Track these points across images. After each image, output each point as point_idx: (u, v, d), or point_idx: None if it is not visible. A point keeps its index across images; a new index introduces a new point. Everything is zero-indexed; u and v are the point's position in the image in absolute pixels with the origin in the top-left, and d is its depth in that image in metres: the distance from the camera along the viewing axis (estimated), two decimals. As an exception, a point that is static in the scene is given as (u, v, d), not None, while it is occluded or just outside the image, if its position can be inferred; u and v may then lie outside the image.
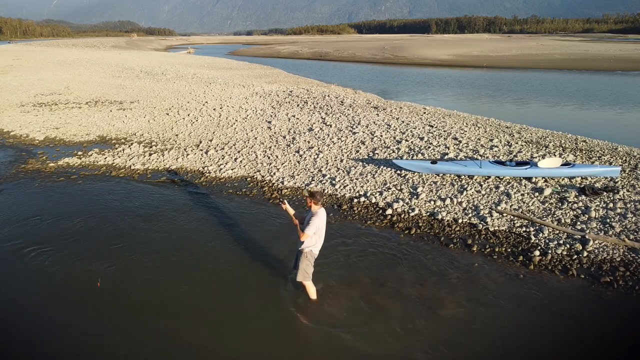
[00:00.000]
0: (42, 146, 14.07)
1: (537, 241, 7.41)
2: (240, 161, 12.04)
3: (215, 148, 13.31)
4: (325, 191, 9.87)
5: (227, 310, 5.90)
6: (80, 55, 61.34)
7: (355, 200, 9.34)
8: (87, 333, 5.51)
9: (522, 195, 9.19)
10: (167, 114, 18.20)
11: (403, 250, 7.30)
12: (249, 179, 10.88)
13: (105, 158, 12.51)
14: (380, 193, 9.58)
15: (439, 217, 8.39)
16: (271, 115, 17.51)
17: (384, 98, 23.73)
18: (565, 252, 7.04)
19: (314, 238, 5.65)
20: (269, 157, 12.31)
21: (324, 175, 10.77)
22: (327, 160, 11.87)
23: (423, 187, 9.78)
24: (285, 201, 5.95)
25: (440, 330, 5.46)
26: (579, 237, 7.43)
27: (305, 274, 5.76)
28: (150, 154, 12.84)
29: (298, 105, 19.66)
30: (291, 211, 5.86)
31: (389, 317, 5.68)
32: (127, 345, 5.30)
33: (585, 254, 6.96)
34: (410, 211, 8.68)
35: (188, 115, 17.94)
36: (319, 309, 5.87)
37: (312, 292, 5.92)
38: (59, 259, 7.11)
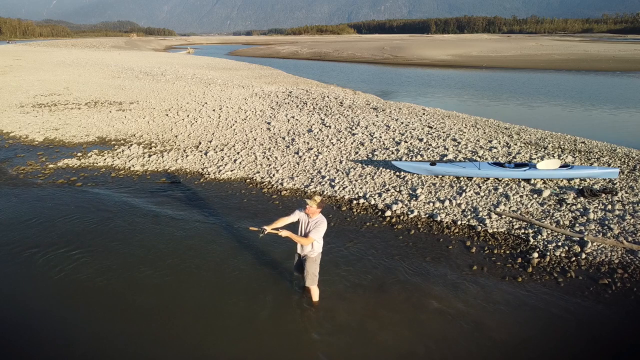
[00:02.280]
0: (41, 147, 14.08)
1: (535, 243, 7.43)
2: (240, 162, 12.06)
3: (214, 149, 13.32)
4: (325, 193, 9.88)
5: (228, 312, 5.89)
6: (79, 55, 61.32)
7: (355, 201, 9.36)
8: (88, 335, 5.51)
9: (521, 197, 9.21)
10: (167, 115, 18.21)
11: (402, 252, 7.31)
12: (248, 180, 10.89)
13: (105, 159, 12.52)
14: (380, 195, 9.60)
15: (438, 218, 8.41)
16: (270, 116, 17.53)
17: (383, 99, 23.76)
18: (563, 254, 7.06)
19: (321, 242, 5.63)
20: (268, 159, 12.32)
21: (323, 177, 10.79)
22: (327, 162, 11.89)
23: (422, 188, 9.80)
24: (264, 228, 5.45)
25: (439, 331, 5.48)
26: (578, 239, 7.45)
27: (314, 278, 5.74)
28: (149, 155, 12.85)
29: (297, 106, 19.68)
30: (278, 230, 5.48)
31: (387, 318, 5.69)
32: (127, 346, 5.30)
33: (583, 255, 6.98)
34: (409, 213, 8.70)
35: (187, 116, 17.95)
36: (320, 311, 5.87)
37: (316, 295, 5.92)
38: (59, 260, 7.11)
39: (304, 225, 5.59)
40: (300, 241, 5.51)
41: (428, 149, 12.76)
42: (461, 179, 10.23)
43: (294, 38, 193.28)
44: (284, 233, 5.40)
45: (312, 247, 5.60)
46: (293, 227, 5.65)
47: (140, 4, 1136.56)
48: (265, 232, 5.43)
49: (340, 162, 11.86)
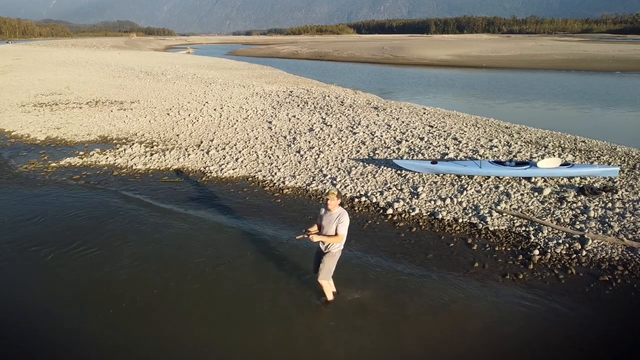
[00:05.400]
0: (43, 146, 14.12)
1: (536, 240, 7.48)
2: (242, 161, 12.10)
3: (216, 148, 13.37)
4: (326, 191, 9.93)
5: (234, 310, 5.90)
6: (79, 55, 61.35)
7: (356, 200, 9.41)
8: (90, 334, 5.54)
9: (522, 195, 9.26)
10: (168, 114, 18.26)
11: (404, 250, 7.36)
12: (250, 178, 10.94)
13: (107, 158, 12.56)
14: (381, 193, 9.65)
15: (440, 216, 8.46)
16: (272, 116, 17.58)
17: (384, 98, 23.81)
18: (564, 252, 7.11)
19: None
20: (270, 157, 12.37)
21: (324, 175, 10.84)
22: (328, 160, 11.94)
23: (423, 187, 9.85)
24: (308, 230, 5.59)
25: (440, 328, 5.53)
26: (578, 236, 7.50)
27: (329, 274, 5.70)
28: (151, 154, 12.89)
29: (298, 106, 19.73)
30: (315, 233, 5.54)
31: (388, 315, 5.75)
32: (130, 346, 5.33)
33: (584, 253, 7.03)
34: (410, 211, 8.74)
35: (189, 115, 18.00)
36: (323, 309, 5.92)
37: (329, 291, 5.88)
38: (61, 259, 7.16)
39: (327, 220, 5.52)
40: (332, 241, 5.47)
41: (429, 147, 12.81)
42: (462, 177, 10.28)
43: (294, 38, 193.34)
44: (316, 238, 5.43)
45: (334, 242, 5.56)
46: (311, 224, 5.72)
47: (139, 3, 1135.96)
48: (309, 234, 5.50)
49: (342, 160, 11.91)
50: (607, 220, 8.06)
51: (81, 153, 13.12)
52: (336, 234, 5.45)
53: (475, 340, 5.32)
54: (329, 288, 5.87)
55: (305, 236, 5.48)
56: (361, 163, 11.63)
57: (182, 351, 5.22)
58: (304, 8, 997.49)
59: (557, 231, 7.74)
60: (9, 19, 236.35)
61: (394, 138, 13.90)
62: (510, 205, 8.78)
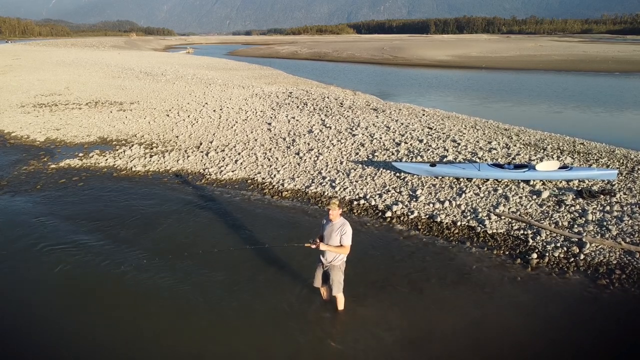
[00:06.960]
0: (43, 147, 14.14)
1: (534, 244, 7.50)
2: (241, 163, 12.12)
3: (215, 150, 13.38)
4: (325, 193, 9.95)
5: (236, 313, 5.90)
6: (79, 55, 61.31)
7: (355, 202, 9.42)
8: (90, 333, 5.56)
9: (520, 198, 9.28)
10: (167, 115, 18.27)
11: (402, 253, 7.38)
12: (249, 180, 10.96)
13: (107, 159, 12.57)
14: (380, 195, 9.66)
15: (438, 219, 8.48)
16: (271, 117, 17.59)
17: (383, 99, 23.81)
18: (562, 255, 7.13)
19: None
20: (269, 159, 12.38)
21: (324, 178, 10.85)
22: (327, 163, 11.95)
23: (422, 189, 9.87)
24: (315, 241, 5.48)
25: (439, 332, 5.55)
26: (576, 239, 7.52)
27: (340, 286, 5.65)
28: (151, 156, 12.90)
29: (298, 107, 19.73)
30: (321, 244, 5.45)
31: (387, 318, 5.77)
32: (131, 347, 5.36)
33: (582, 256, 7.05)
34: (409, 213, 8.76)
35: (188, 116, 18.01)
36: (325, 316, 5.93)
37: (342, 302, 5.84)
38: (60, 260, 7.16)
39: (328, 231, 5.45)
40: (338, 251, 5.42)
41: (428, 150, 12.83)
42: (461, 180, 10.30)
43: (294, 38, 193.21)
44: (323, 247, 5.37)
45: (338, 255, 5.51)
46: (316, 235, 5.66)
47: (139, 3, 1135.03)
48: (316, 244, 5.42)
49: (341, 162, 11.93)
50: (605, 223, 8.08)
51: (81, 154, 13.13)
52: (341, 246, 5.40)
53: (472, 343, 5.33)
54: (342, 299, 5.82)
55: (313, 246, 5.42)
56: (360, 165, 11.65)
57: (182, 354, 5.22)
58: (303, 8, 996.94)
59: (555, 234, 7.76)
60: (8, 18, 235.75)
61: (393, 140, 13.91)
62: (509, 208, 8.80)
